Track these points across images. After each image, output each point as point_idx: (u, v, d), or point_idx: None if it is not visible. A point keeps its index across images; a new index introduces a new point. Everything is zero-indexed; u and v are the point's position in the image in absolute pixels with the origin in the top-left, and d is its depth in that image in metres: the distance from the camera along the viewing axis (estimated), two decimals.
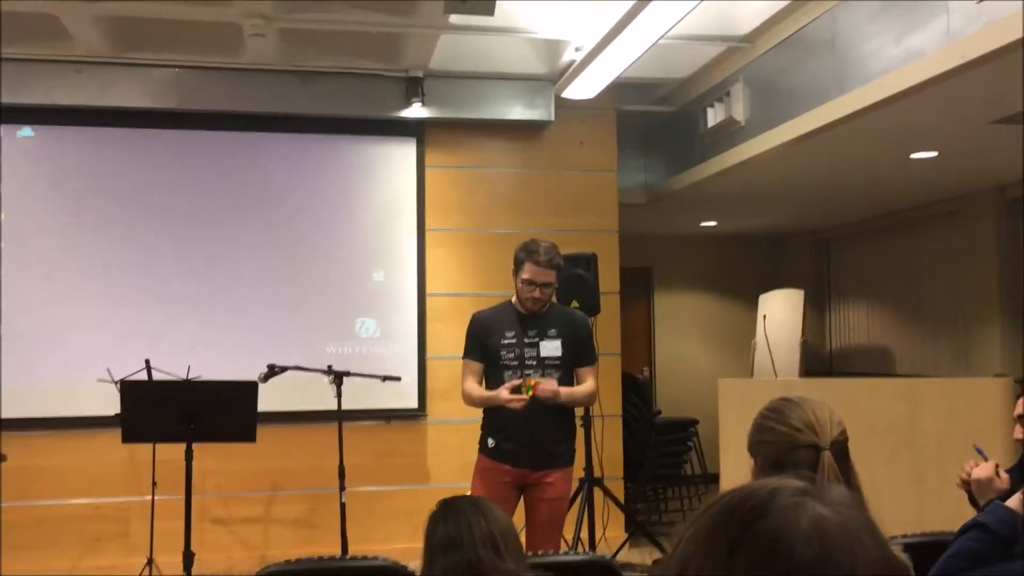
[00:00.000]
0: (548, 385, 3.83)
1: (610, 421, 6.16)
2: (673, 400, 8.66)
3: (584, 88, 5.71)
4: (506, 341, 3.92)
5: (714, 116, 6.02)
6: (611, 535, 5.73)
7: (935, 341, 7.35)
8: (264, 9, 4.81)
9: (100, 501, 5.68)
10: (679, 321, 9.27)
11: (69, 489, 5.65)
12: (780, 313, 7.57)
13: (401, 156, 6.23)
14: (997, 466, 2.76)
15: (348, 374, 4.84)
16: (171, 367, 4.92)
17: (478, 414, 4.04)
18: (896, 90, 4.20)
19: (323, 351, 5.85)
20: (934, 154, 5.51)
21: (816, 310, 8.75)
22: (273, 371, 4.77)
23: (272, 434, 5.21)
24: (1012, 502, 2.22)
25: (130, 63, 5.62)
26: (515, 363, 3.90)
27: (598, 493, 5.43)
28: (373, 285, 6.14)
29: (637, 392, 7.50)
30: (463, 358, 4.04)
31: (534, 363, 3.91)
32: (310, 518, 5.90)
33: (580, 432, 4.32)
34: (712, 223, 8.52)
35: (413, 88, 5.94)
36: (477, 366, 3.99)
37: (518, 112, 6.22)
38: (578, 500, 5.15)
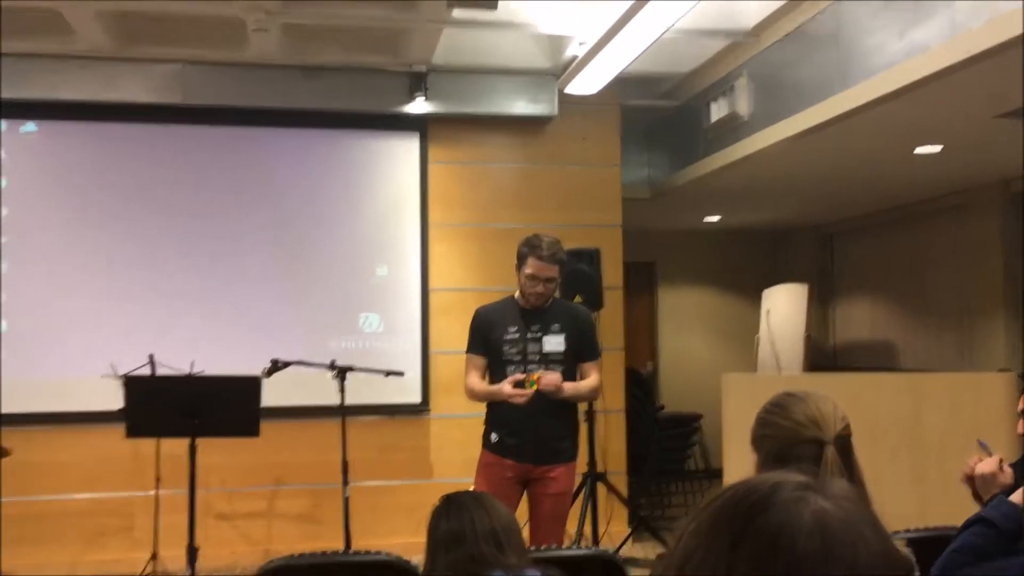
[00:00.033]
0: (551, 378, 3.82)
1: (614, 416, 6.16)
2: (677, 395, 8.66)
3: (587, 83, 5.69)
4: (509, 336, 3.92)
5: (718, 111, 6.01)
6: (614, 530, 5.72)
7: (939, 336, 7.33)
8: (267, 4, 4.81)
9: (103, 496, 5.69)
10: (683, 316, 9.27)
11: (72, 484, 5.66)
12: (784, 308, 7.56)
13: (404, 151, 6.22)
14: (1001, 461, 2.75)
15: (351, 369, 4.84)
16: (174, 362, 4.91)
17: (481, 409, 4.04)
18: (900, 84, 4.19)
19: (326, 346, 5.85)
20: (938, 148, 5.49)
21: (820, 305, 8.73)
22: (276, 366, 4.77)
23: (275, 429, 5.21)
24: (1016, 497, 2.22)
25: (133, 58, 5.62)
26: (518, 358, 3.90)
27: (601, 488, 5.44)
28: (376, 280, 6.14)
29: (641, 387, 7.50)
30: (466, 353, 4.04)
31: (537, 358, 3.90)
32: (313, 513, 5.90)
33: (584, 427, 4.32)
34: (716, 218, 8.51)
35: (416, 83, 5.94)
36: (480, 361, 3.98)
37: (521, 107, 6.20)
38: (581, 495, 5.16)
